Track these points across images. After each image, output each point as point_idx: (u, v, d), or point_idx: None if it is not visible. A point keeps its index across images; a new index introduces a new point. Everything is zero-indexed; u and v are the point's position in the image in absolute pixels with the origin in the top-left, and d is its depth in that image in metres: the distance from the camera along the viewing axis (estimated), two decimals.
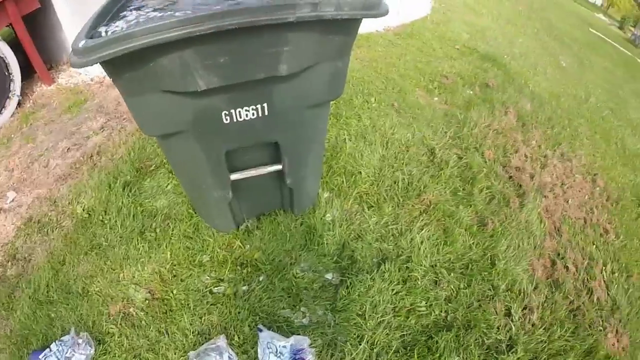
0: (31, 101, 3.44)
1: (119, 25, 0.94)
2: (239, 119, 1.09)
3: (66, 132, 2.81)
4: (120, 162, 2.25)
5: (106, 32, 0.92)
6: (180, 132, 1.08)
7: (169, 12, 0.96)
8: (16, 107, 3.35)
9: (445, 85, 3.19)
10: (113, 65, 0.91)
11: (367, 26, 3.99)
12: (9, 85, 3.25)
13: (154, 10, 0.99)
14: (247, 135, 1.15)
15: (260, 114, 1.11)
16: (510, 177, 2.31)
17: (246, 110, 1.09)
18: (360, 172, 2.06)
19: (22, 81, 3.34)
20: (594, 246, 2.10)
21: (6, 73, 3.23)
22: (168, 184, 2.03)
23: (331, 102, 2.41)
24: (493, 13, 6.58)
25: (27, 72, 3.46)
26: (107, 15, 0.98)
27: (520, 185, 2.27)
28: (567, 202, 2.30)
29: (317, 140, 1.43)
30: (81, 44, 0.87)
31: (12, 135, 3.10)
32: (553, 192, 2.32)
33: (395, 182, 2.05)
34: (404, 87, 2.99)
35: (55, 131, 2.88)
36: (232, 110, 1.07)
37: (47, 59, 3.64)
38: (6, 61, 3.19)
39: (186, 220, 1.79)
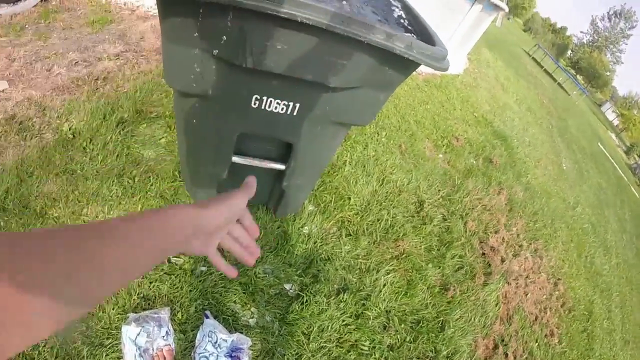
0: (59, 0, 3.33)
1: None
2: (267, 108, 1.07)
3: (80, 45, 2.70)
4: (123, 97, 2.17)
5: None
6: (204, 97, 1.05)
7: None
8: (41, 0, 3.24)
9: (454, 146, 3.26)
10: (171, 3, 0.87)
11: None
12: None
13: None
14: (269, 126, 1.13)
15: (289, 111, 1.10)
16: (484, 254, 2.37)
17: (277, 103, 1.07)
18: (350, 198, 2.06)
19: None
20: (537, 344, 2.16)
21: None
22: (162, 137, 1.97)
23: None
24: (518, 95, 6.81)
25: None
26: None
27: (490, 265, 2.32)
28: (526, 295, 2.37)
29: (326, 155, 1.42)
30: None
31: (27, 26, 2.98)
32: (516, 282, 2.38)
33: (378, 220, 2.07)
34: (416, 133, 3.05)
35: (70, 39, 2.77)
36: (264, 98, 1.05)
37: None
38: None
39: (168, 180, 1.74)
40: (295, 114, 1.10)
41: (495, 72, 7.06)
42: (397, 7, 1.24)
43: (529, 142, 4.91)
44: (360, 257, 1.84)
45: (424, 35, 1.06)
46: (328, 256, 1.75)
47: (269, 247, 1.66)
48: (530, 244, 2.81)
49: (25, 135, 1.92)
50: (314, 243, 1.76)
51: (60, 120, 2.01)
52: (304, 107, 1.09)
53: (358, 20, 0.83)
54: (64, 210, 1.55)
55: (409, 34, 1.04)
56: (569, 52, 46.24)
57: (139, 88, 2.26)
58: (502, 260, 2.41)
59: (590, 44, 45.72)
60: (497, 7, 5.38)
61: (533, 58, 16.47)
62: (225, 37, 0.89)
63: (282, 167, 1.33)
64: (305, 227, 1.82)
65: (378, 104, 1.15)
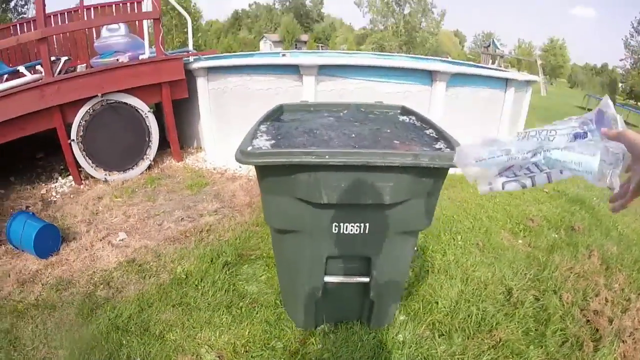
0: (159, 169, 4.18)
1: (265, 141, 1.31)
2: (345, 231, 1.34)
3: (183, 205, 3.33)
4: (225, 244, 2.60)
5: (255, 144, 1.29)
6: (297, 231, 1.35)
7: (301, 129, 1.30)
8: (146, 169, 4.10)
9: (531, 228, 3.23)
10: (264, 169, 1.24)
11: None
12: (146, 150, 4.06)
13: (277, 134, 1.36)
14: (349, 246, 1.38)
15: (361, 231, 1.35)
16: (588, 320, 2.19)
17: (351, 226, 1.34)
18: (437, 302, 2.14)
19: (156, 150, 4.14)
20: None
21: (147, 139, 4.05)
22: (262, 275, 2.29)
23: (420, 236, 2.64)
24: None
25: (162, 145, 4.26)
26: (257, 131, 1.37)
27: (597, 330, 2.12)
28: None
29: (402, 263, 1.60)
30: (248, 148, 1.23)
31: (137, 190, 3.74)
32: (633, 338, 2.11)
33: (469, 316, 2.09)
34: (490, 228, 3.11)
35: (175, 200, 3.42)
36: (341, 224, 1.33)
37: (181, 140, 4.47)
38: (150, 130, 4.04)
39: (272, 308, 1.99)
40: (367, 232, 1.35)
41: None
42: (423, 125, 1.54)
43: (610, 195, 4.60)
44: (457, 353, 1.83)
45: (446, 141, 1.32)
46: (424, 357, 1.79)
47: (367, 357, 1.75)
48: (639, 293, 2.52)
49: (144, 275, 2.35)
50: (409, 348, 1.82)
51: (174, 264, 2.44)
52: (372, 226, 1.34)
53: (391, 152, 1.13)
54: (181, 334, 1.83)
55: (429, 149, 1.31)
56: (620, 84, 43.71)
57: (238, 236, 2.70)
58: (610, 321, 2.18)
59: (634, 66, 42.79)
60: (529, 82, 5.65)
61: (589, 109, 15.93)
62: (305, 185, 1.22)
63: (366, 279, 1.53)
64: (399, 335, 1.90)
65: (430, 209, 1.37)
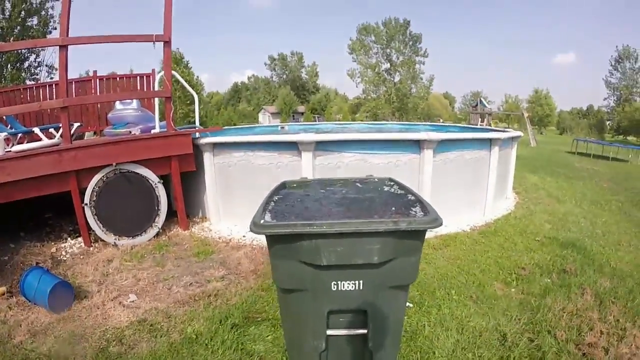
0: (167, 237, 4.38)
1: (273, 214, 1.57)
2: (342, 288, 1.55)
3: (191, 271, 3.50)
4: (232, 308, 2.77)
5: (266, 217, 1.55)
6: (301, 290, 1.56)
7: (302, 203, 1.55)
8: (154, 236, 4.30)
9: (523, 276, 3.39)
10: (273, 238, 1.48)
11: (456, 227, 4.60)
12: (155, 217, 4.29)
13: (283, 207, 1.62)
14: (346, 301, 1.59)
15: (357, 287, 1.56)
16: (584, 353, 2.30)
17: (348, 283, 1.55)
18: (434, 352, 2.29)
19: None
20: None
21: (156, 208, 4.29)
22: (269, 335, 2.45)
23: (416, 293, 2.86)
24: (577, 196, 6.81)
25: (169, 213, 4.49)
26: (266, 206, 1.63)
27: None
28: None
29: (396, 314, 1.78)
30: (261, 221, 1.48)
31: (146, 255, 3.90)
32: None
33: None
34: (484, 280, 3.29)
35: (183, 266, 3.60)
36: (339, 282, 1.55)
37: (187, 210, 4.73)
38: (159, 199, 4.30)
39: None
40: (362, 288, 1.57)
41: (546, 190, 7.28)
42: (405, 192, 1.82)
43: (602, 232, 4.76)
44: None
45: (423, 207, 1.58)
46: None
47: None
48: (635, 321, 2.62)
49: (156, 334, 2.49)
50: None
51: (184, 325, 2.59)
52: (365, 282, 1.56)
53: (375, 220, 1.39)
54: None
55: (408, 213, 1.57)
56: (608, 122, 44.95)
57: (244, 300, 2.88)
58: (606, 351, 2.29)
59: (617, 102, 44.27)
60: (514, 138, 6.04)
61: (578, 153, 16.48)
62: (307, 250, 1.46)
63: (364, 331, 1.71)
64: None
65: (414, 265, 1.61)
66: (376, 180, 2.17)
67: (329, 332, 1.67)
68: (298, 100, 57.12)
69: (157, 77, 5.46)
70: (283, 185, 2.06)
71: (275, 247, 1.51)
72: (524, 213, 5.46)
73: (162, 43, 4.18)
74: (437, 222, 1.50)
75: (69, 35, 3.79)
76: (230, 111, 50.48)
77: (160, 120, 4.74)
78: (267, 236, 1.49)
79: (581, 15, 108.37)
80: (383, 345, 1.84)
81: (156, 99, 5.09)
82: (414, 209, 1.68)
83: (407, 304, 2.49)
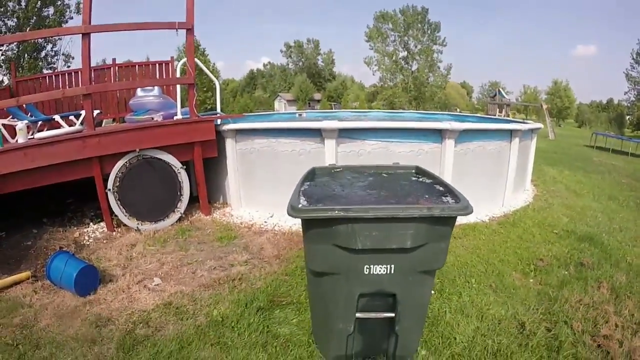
0: (189, 222, 4.44)
1: (306, 199, 1.61)
2: (374, 272, 1.60)
3: (214, 255, 3.55)
4: (257, 291, 2.82)
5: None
6: (334, 273, 1.62)
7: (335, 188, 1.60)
8: (176, 221, 4.37)
9: (541, 267, 3.40)
10: (310, 222, 1.53)
11: (475, 217, 4.60)
12: (177, 203, 4.36)
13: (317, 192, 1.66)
14: (377, 284, 1.64)
15: (388, 272, 1.61)
16: (599, 345, 2.33)
17: (380, 267, 1.60)
18: (455, 338, 2.32)
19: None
20: None
21: (178, 193, 4.36)
22: (294, 318, 2.50)
23: (437, 280, 2.88)
24: (595, 191, 6.72)
25: (191, 199, 4.54)
26: (301, 190, 1.69)
27: (608, 352, 2.26)
28: None
29: (423, 299, 1.84)
30: (299, 205, 1.53)
31: (169, 240, 3.95)
32: None
33: (485, 348, 2.26)
34: (502, 270, 3.31)
35: (206, 251, 3.66)
36: (371, 266, 1.60)
37: (209, 196, 4.80)
38: (181, 185, 4.37)
39: (304, 346, 2.19)
40: (392, 272, 1.61)
41: (565, 183, 7.20)
42: (434, 181, 1.84)
43: (620, 228, 4.71)
44: None
45: (454, 195, 1.61)
46: None
47: None
48: None
49: (182, 317, 2.53)
50: None
51: (210, 308, 2.62)
52: (397, 266, 1.61)
53: (410, 206, 1.42)
54: None
55: (440, 201, 1.60)
56: (627, 117, 43.69)
57: (269, 284, 2.92)
58: (621, 344, 2.31)
59: (639, 97, 42.82)
60: (533, 130, 5.96)
61: (597, 147, 16.16)
62: (343, 234, 1.50)
63: (392, 315, 1.76)
64: None
65: (443, 251, 1.66)
66: (403, 168, 2.20)
67: (358, 315, 1.73)
68: (314, 88, 56.88)
69: (178, 64, 5.51)
70: (313, 172, 2.10)
71: (311, 231, 1.56)
72: (542, 205, 5.42)
73: (185, 30, 4.20)
74: (468, 209, 1.54)
75: (92, 24, 3.82)
76: (246, 98, 50.49)
77: (181, 107, 4.80)
78: (303, 220, 1.54)
79: (603, 6, 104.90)
80: (408, 329, 1.89)
81: (178, 86, 5.14)
82: (445, 197, 1.71)
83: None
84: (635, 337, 2.42)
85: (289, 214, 1.50)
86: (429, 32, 45.70)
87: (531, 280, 3.17)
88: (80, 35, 3.77)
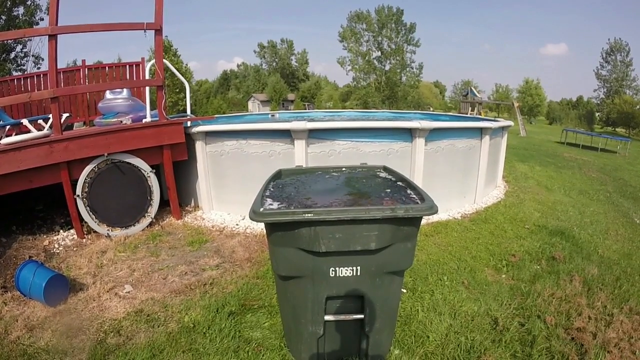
0: (160, 226, 4.34)
1: (270, 202, 1.57)
2: (340, 274, 1.58)
3: (186, 260, 3.48)
4: (229, 296, 2.77)
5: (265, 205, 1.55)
6: (300, 276, 1.59)
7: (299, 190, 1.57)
8: (147, 226, 4.26)
9: (513, 263, 3.46)
10: (273, 225, 1.49)
11: (447, 215, 4.66)
12: (148, 207, 4.25)
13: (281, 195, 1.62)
14: (344, 287, 1.62)
15: (354, 273, 1.59)
16: (572, 338, 2.38)
17: (345, 269, 1.58)
18: (429, 336, 2.33)
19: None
20: None
21: (148, 198, 4.25)
22: (266, 322, 2.47)
23: (409, 279, 2.87)
24: (566, 186, 6.92)
25: (162, 203, 4.44)
26: (264, 194, 1.64)
27: (582, 345, 2.30)
28: (635, 353, 2.24)
29: (392, 299, 1.82)
30: (260, 209, 1.49)
31: (140, 245, 3.86)
32: (618, 347, 2.29)
33: (458, 345, 2.27)
34: (475, 267, 3.35)
35: (177, 256, 3.58)
36: (337, 268, 1.57)
37: (180, 199, 4.69)
38: (151, 189, 4.26)
39: (277, 350, 2.16)
40: (359, 274, 1.60)
41: (536, 179, 7.39)
42: (400, 181, 1.84)
43: (590, 221, 4.86)
44: None
45: (419, 194, 1.61)
46: None
47: None
48: (622, 307, 2.71)
49: (153, 324, 2.47)
50: None
51: (181, 314, 2.57)
52: (363, 268, 1.59)
53: (373, 208, 1.41)
54: None
55: (405, 201, 1.60)
56: (597, 114, 45.48)
57: (240, 288, 2.88)
58: (594, 335, 2.37)
59: (607, 94, 44.81)
60: (504, 127, 6.10)
61: (567, 143, 16.71)
62: (306, 238, 1.47)
63: (361, 316, 1.74)
64: None
65: (410, 251, 1.65)
66: (370, 168, 2.19)
67: (327, 317, 1.70)
68: (288, 88, 56.78)
69: (147, 65, 5.36)
70: (279, 174, 2.07)
71: (274, 235, 1.52)
72: (513, 201, 5.54)
73: (153, 31, 4.09)
74: (432, 209, 1.53)
75: (58, 25, 3.68)
76: (219, 99, 49.85)
77: (151, 109, 4.67)
78: (266, 224, 1.50)
79: (573, 5, 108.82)
80: (379, 329, 1.88)
81: (147, 88, 5.00)
82: (409, 197, 1.70)
83: (401, 289, 2.53)
84: (608, 329, 2.49)
85: (251, 218, 1.46)
86: (403, 32, 46.30)
87: (503, 276, 3.21)
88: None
